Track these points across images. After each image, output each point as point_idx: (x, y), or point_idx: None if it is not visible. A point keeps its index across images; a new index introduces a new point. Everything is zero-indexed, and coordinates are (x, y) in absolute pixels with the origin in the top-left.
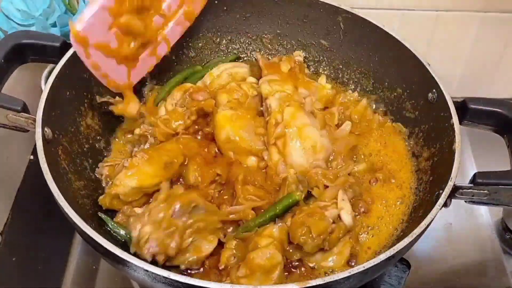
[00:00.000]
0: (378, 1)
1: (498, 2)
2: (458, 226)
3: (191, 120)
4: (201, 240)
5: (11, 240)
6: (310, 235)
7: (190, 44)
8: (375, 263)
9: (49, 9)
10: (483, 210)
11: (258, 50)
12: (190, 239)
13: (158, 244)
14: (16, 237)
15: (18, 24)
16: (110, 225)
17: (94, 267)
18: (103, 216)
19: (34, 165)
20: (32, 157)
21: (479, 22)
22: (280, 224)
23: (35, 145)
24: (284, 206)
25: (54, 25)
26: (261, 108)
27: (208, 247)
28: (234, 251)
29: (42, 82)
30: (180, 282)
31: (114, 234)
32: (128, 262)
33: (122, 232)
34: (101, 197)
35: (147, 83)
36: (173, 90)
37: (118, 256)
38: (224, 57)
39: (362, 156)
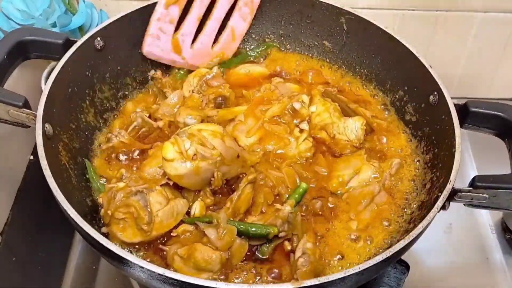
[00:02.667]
0: (378, 1)
1: (498, 2)
2: (458, 226)
3: (210, 107)
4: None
5: (11, 240)
6: None
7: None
8: (371, 264)
9: (49, 9)
10: (483, 210)
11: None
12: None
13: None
14: (16, 237)
15: (18, 24)
16: (89, 172)
17: (94, 267)
18: (87, 162)
19: (34, 165)
20: (32, 157)
21: (479, 22)
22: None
23: (35, 145)
24: (258, 234)
25: (54, 25)
26: None
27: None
28: (191, 230)
29: (42, 82)
30: (175, 280)
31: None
32: (125, 259)
33: (96, 183)
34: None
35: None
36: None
37: (115, 253)
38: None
39: None
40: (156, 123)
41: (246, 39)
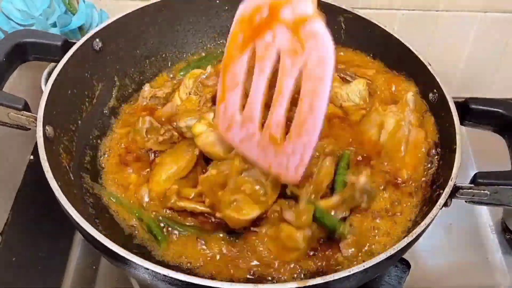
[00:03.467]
0: (378, 1)
1: (498, 2)
2: (458, 226)
3: (208, 107)
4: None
5: (11, 240)
6: None
7: (191, 44)
8: (375, 262)
9: (49, 9)
10: (483, 210)
11: None
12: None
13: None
14: (16, 237)
15: (18, 24)
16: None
17: (94, 267)
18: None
19: (34, 165)
20: (32, 157)
21: (479, 22)
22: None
23: (35, 145)
24: (327, 226)
25: (54, 25)
26: None
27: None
28: (278, 210)
29: (42, 82)
30: (180, 280)
31: None
32: (128, 260)
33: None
34: None
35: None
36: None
37: (117, 253)
38: None
39: None
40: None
41: None
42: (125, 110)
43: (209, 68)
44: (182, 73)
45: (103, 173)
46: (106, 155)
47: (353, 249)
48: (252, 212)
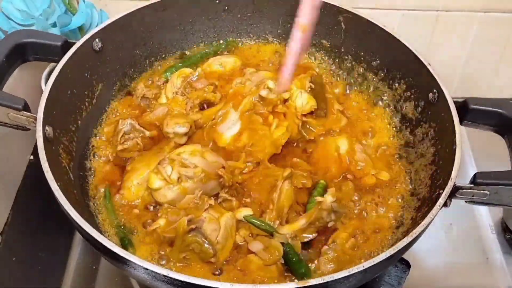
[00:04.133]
0: (378, 1)
1: (498, 2)
2: (458, 226)
3: (194, 112)
4: None
5: (11, 240)
6: None
7: (191, 44)
8: (375, 262)
9: (49, 9)
10: (483, 210)
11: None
12: None
13: None
14: (16, 237)
15: (18, 24)
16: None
17: (94, 267)
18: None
19: (34, 165)
20: (32, 157)
21: (479, 22)
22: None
23: (35, 145)
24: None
25: (54, 25)
26: None
27: None
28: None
29: (42, 82)
30: (179, 281)
31: None
32: (128, 260)
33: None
34: None
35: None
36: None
37: (117, 254)
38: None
39: None
40: (149, 132)
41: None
42: (117, 109)
43: (199, 70)
44: (167, 73)
45: (93, 172)
46: (95, 155)
47: (332, 265)
48: (202, 270)
